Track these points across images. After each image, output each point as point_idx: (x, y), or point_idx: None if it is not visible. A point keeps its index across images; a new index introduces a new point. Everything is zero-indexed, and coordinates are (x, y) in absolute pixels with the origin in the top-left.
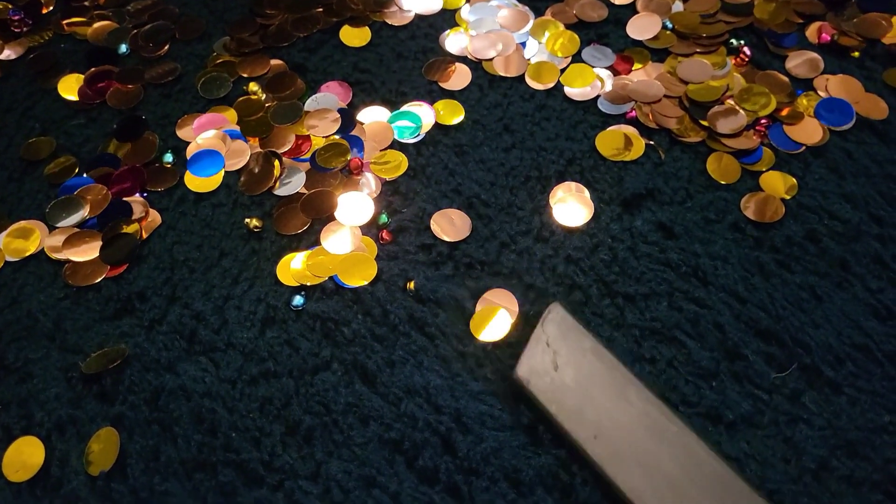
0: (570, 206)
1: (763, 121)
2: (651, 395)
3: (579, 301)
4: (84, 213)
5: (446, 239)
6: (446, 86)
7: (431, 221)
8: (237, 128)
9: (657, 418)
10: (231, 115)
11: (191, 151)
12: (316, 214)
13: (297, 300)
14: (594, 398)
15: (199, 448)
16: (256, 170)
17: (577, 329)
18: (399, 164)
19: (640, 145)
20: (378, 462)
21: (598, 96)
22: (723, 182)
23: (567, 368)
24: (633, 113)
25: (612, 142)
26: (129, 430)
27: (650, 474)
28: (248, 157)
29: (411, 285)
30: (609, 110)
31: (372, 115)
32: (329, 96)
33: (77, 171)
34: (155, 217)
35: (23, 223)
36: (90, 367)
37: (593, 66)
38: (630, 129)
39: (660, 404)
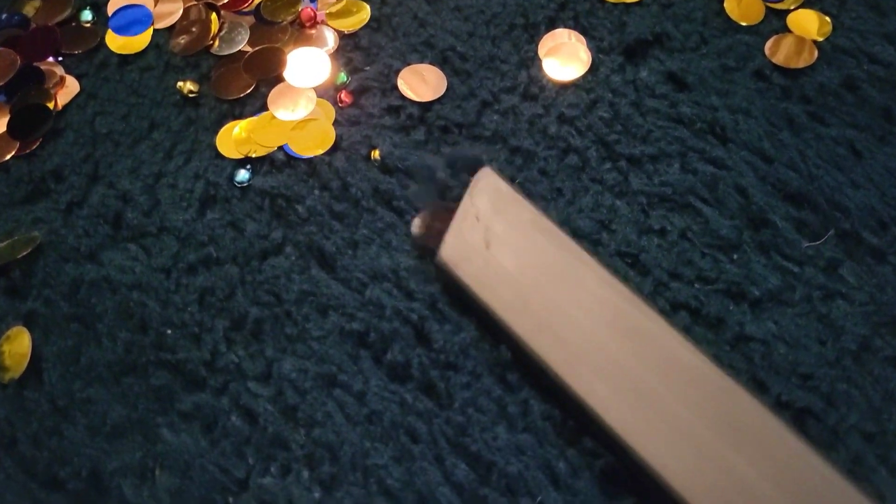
0: (563, 57)
1: None
2: (611, 277)
3: (575, 166)
4: None
5: (417, 99)
6: None
7: (399, 79)
8: None
9: (619, 307)
10: None
11: (113, 7)
12: (262, 75)
13: (242, 175)
14: (537, 282)
15: (126, 348)
16: (192, 27)
17: (515, 199)
18: (360, 14)
19: None
20: (339, 358)
21: None
22: (743, 23)
23: (503, 248)
24: None
25: None
26: (43, 329)
27: (611, 376)
28: (180, 12)
29: (376, 154)
30: None
31: None
32: None
33: None
34: (72, 84)
35: None
36: None
37: None
38: None
39: (623, 289)
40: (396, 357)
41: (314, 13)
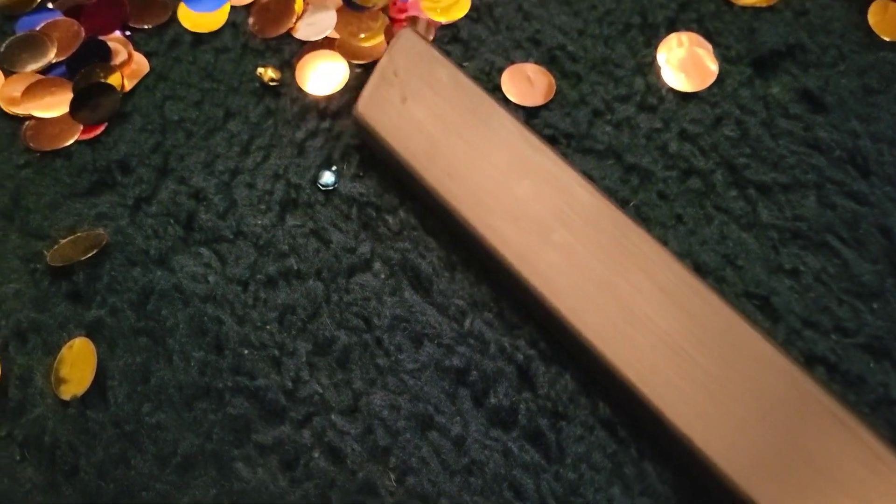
0: (686, 65)
1: None
2: (521, 127)
3: (698, 190)
4: (50, 55)
5: (521, 103)
6: None
7: (502, 79)
8: None
9: (526, 154)
10: None
11: None
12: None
13: (327, 177)
14: (449, 134)
15: (200, 369)
16: (271, 5)
17: (433, 56)
18: (458, 1)
19: None
20: (436, 396)
21: None
22: (888, 39)
23: (418, 102)
24: None
25: None
26: (109, 341)
27: (515, 218)
28: None
29: None
30: None
31: None
32: None
33: (40, 1)
34: (141, 63)
35: None
36: (58, 258)
37: None
38: None
39: (531, 137)
40: (500, 400)
41: None
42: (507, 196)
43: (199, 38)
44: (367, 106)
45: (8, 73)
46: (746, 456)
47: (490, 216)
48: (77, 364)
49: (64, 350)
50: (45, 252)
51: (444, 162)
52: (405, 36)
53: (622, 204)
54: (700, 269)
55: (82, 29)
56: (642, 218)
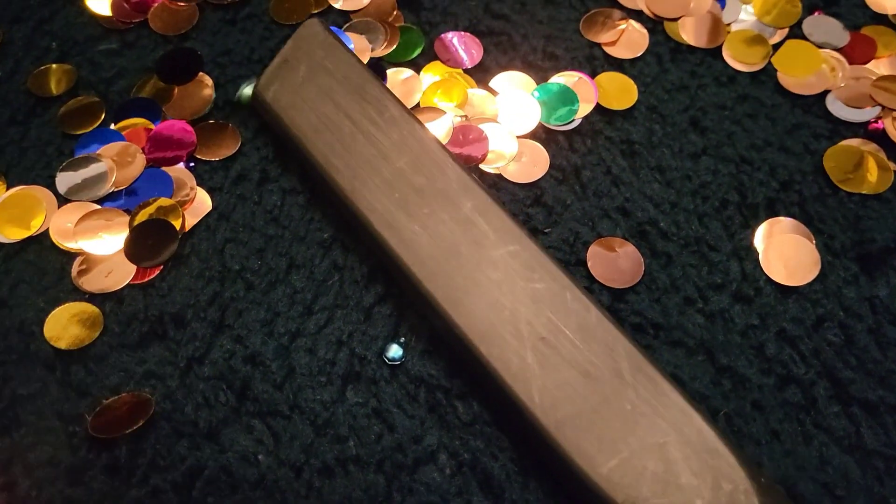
0: (787, 254)
1: None
2: (410, 117)
3: (797, 403)
4: (108, 182)
5: (608, 284)
6: (612, 51)
7: (588, 255)
8: None
9: (413, 142)
10: None
11: None
12: None
13: (395, 351)
14: (339, 112)
15: None
16: None
17: (332, 44)
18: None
19: (887, 175)
20: None
21: (826, 91)
22: None
23: (312, 83)
24: (880, 123)
25: (846, 162)
26: None
27: (389, 193)
28: None
29: None
30: (842, 115)
31: (511, 85)
32: None
33: (103, 118)
34: (203, 200)
35: (24, 189)
36: (101, 429)
37: (819, 47)
38: (872, 147)
39: (418, 128)
40: None
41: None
42: (386, 171)
43: (266, 174)
44: (264, 86)
45: (63, 200)
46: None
47: (364, 189)
48: None
49: None
50: (87, 416)
51: (334, 141)
52: (310, 26)
53: (712, 413)
54: (796, 500)
55: (145, 156)
56: (734, 430)
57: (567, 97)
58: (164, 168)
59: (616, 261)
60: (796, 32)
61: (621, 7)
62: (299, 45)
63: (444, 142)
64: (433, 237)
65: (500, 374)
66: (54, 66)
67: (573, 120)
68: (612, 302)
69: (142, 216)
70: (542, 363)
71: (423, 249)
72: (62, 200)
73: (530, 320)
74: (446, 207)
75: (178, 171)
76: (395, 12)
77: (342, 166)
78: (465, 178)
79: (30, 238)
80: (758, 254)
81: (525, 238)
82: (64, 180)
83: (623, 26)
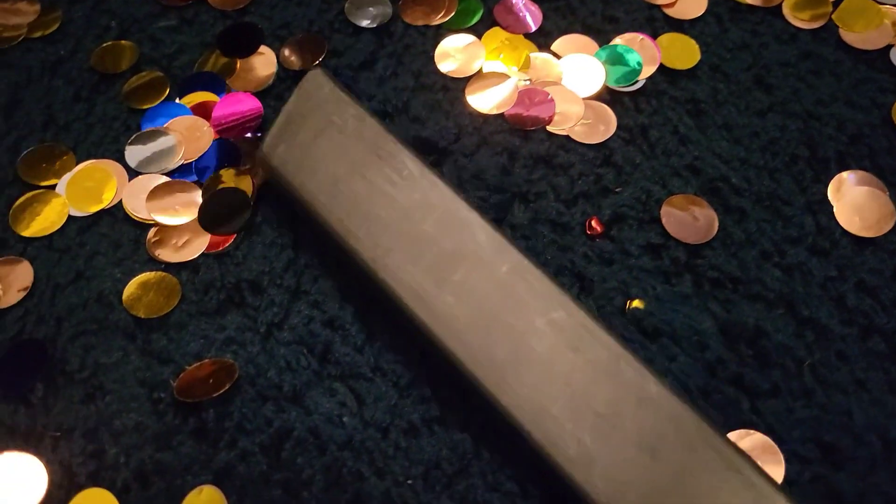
0: (861, 206)
1: None
2: (431, 173)
3: (880, 353)
4: (178, 155)
5: (683, 239)
6: (671, 12)
7: (662, 212)
8: None
9: (434, 195)
10: None
11: None
12: None
13: None
14: (353, 172)
15: None
16: None
17: (340, 98)
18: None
19: None
20: None
21: (889, 46)
22: None
23: (322, 141)
24: None
25: None
26: (239, 492)
27: (416, 260)
28: None
29: (637, 304)
30: None
31: (573, 49)
32: None
33: (167, 93)
34: None
35: (94, 163)
36: (187, 393)
37: (879, 2)
38: None
39: (429, 174)
40: None
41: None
42: (413, 240)
43: None
44: (270, 145)
45: (133, 173)
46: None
47: (390, 258)
48: None
49: (190, 498)
50: (171, 381)
51: (344, 201)
52: (314, 78)
53: (797, 364)
54: (890, 448)
55: (212, 129)
56: (819, 380)
57: (630, 58)
58: (231, 139)
59: (690, 217)
60: None
61: None
62: (304, 99)
63: (509, 105)
64: (468, 307)
65: (556, 460)
66: (117, 43)
67: (637, 81)
68: (689, 258)
69: (213, 186)
70: (602, 444)
71: (459, 322)
72: (132, 173)
73: (584, 395)
74: (480, 272)
75: (245, 140)
76: None
77: (362, 233)
78: (498, 237)
79: (102, 211)
80: (832, 207)
81: (570, 302)
82: (133, 154)
83: None
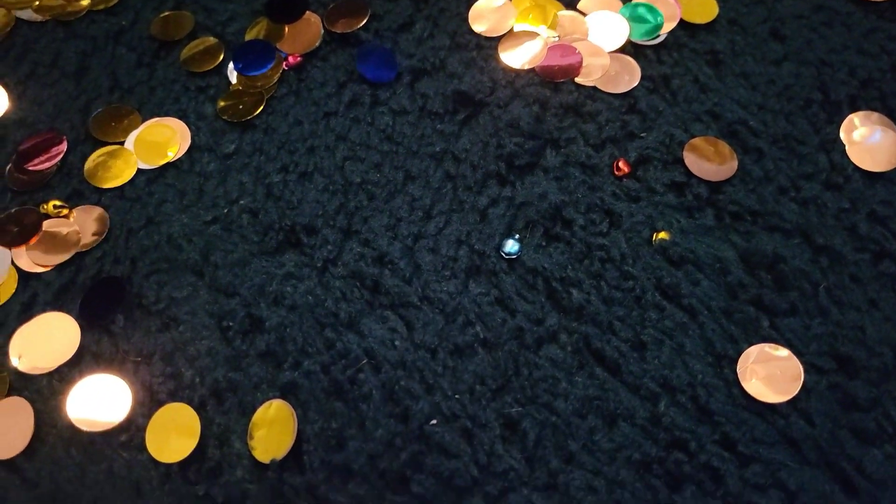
0: (872, 144)
1: None
2: None
3: (891, 275)
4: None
5: (705, 178)
6: None
7: (685, 153)
8: None
9: None
10: None
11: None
12: None
13: (511, 246)
14: None
15: (388, 440)
16: None
17: None
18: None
19: None
20: (630, 483)
21: None
22: None
23: None
24: None
25: None
26: (303, 404)
27: None
28: None
29: (663, 236)
30: None
31: (598, 6)
32: None
33: (222, 57)
34: None
35: (158, 121)
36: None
37: None
38: None
39: None
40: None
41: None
42: None
43: (375, 98)
44: None
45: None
46: None
47: None
48: (275, 426)
49: (260, 411)
50: (238, 309)
51: None
52: None
53: (813, 286)
54: None
55: (263, 92)
56: (834, 301)
57: (652, 14)
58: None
59: (711, 156)
60: None
61: None
62: None
63: (539, 60)
64: None
65: None
66: (174, 13)
67: (659, 35)
68: (711, 194)
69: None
70: None
71: None
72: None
73: None
74: None
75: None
76: None
77: None
78: None
79: (168, 164)
80: (844, 145)
81: None
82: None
83: None
